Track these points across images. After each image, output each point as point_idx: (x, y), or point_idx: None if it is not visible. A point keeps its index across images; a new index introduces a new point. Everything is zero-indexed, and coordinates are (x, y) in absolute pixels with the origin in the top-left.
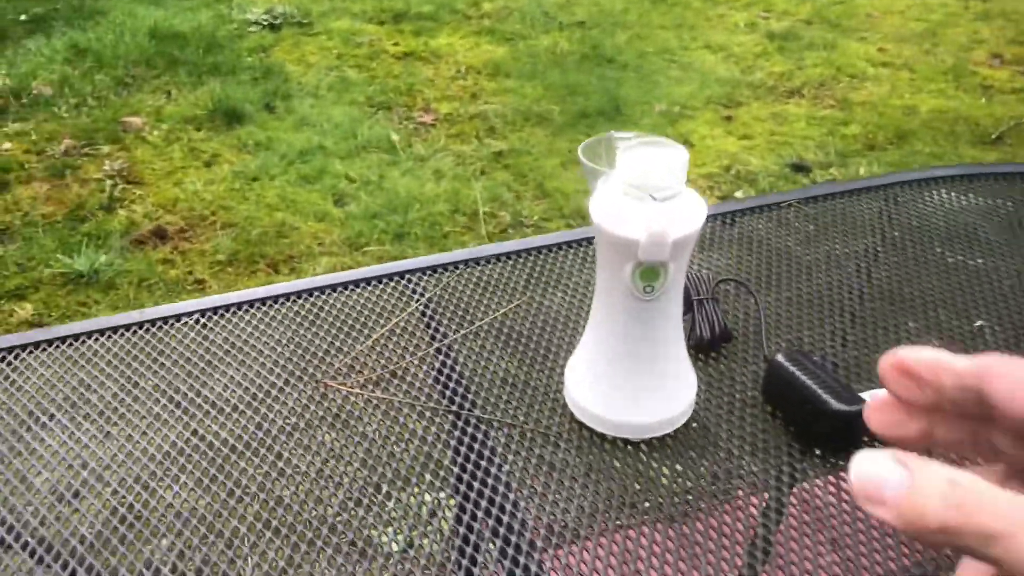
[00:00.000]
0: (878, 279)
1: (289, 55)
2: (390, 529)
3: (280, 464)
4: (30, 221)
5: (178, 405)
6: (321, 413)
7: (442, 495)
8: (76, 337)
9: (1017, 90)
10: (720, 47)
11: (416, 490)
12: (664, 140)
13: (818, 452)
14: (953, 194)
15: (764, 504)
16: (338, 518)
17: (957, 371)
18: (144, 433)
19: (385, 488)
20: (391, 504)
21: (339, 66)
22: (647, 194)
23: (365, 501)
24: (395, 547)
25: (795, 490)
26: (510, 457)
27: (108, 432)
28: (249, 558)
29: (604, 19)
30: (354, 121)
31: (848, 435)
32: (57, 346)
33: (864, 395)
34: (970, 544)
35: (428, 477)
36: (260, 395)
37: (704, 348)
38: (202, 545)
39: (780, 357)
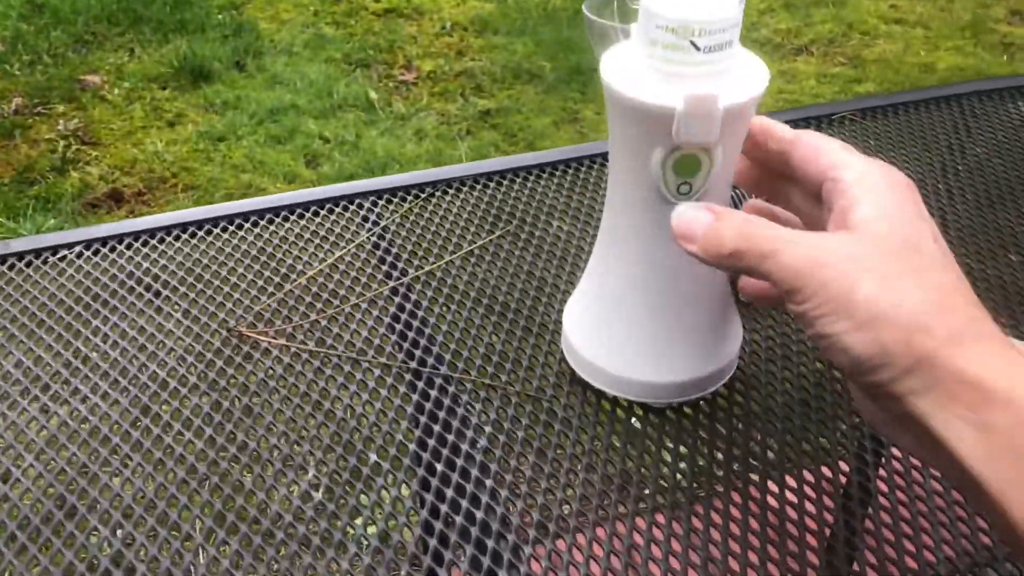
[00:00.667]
0: (963, 202)
1: (262, 12)
2: (358, 521)
3: (196, 422)
4: None
5: (110, 378)
6: (233, 370)
7: (395, 468)
8: None
9: None
10: None
11: (372, 470)
12: None
13: None
14: None
15: (842, 487)
16: (284, 502)
17: (778, 137)
18: (74, 410)
19: (331, 467)
20: (339, 488)
21: (315, 23)
22: (687, 40)
23: (321, 488)
24: (359, 538)
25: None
26: (487, 429)
27: (48, 408)
28: (202, 549)
29: None
30: (330, 79)
31: None
32: None
33: None
34: (751, 263)
35: (373, 457)
36: (168, 341)
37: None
38: (151, 536)
39: None
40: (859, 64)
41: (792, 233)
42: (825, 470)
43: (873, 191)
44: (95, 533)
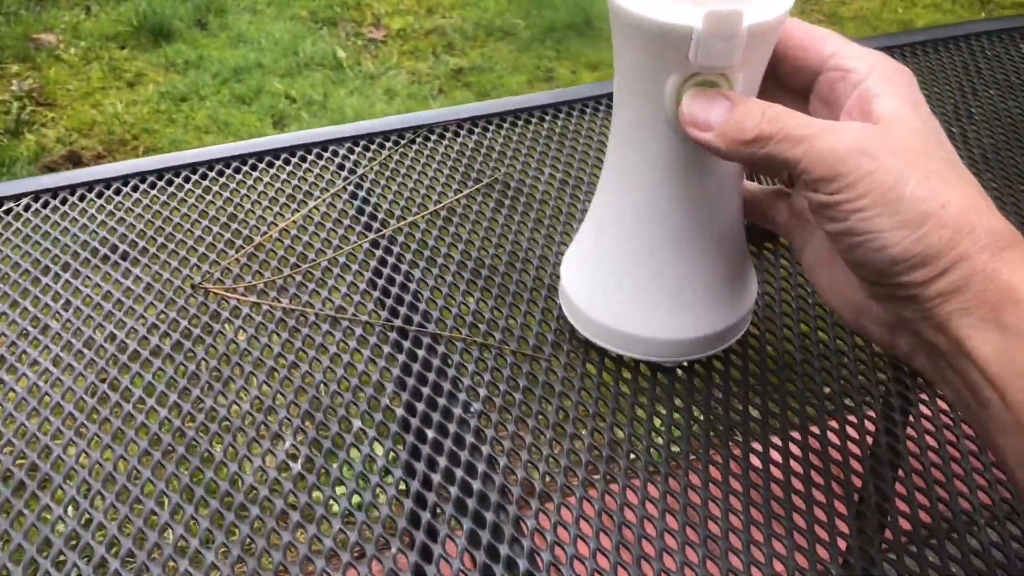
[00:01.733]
0: (978, 145)
1: None
2: (339, 489)
3: (160, 388)
4: None
5: (79, 351)
6: (199, 330)
7: (381, 435)
8: None
9: (1018, 3)
10: None
11: (355, 438)
12: None
13: None
14: None
15: (869, 452)
16: (258, 474)
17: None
18: (26, 378)
19: (311, 435)
20: (320, 457)
21: None
22: None
23: (282, 452)
24: (332, 507)
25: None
26: (482, 392)
27: None
28: (170, 527)
29: None
30: (296, 37)
31: None
32: None
33: None
34: (777, 149)
35: (358, 424)
36: (127, 300)
37: (760, 233)
38: (112, 515)
39: None
40: (837, 21)
41: (824, 121)
42: (850, 430)
43: (890, 82)
44: (47, 511)
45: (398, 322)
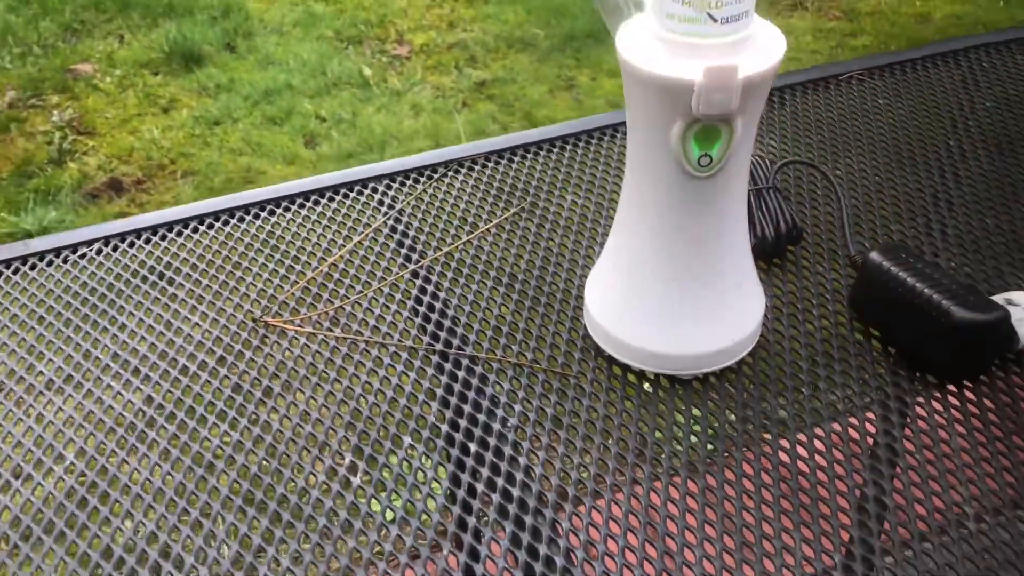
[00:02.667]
0: (974, 156)
1: None
2: (383, 495)
3: (215, 406)
4: None
5: (133, 369)
6: (263, 360)
7: (430, 450)
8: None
9: None
10: None
11: (407, 452)
12: None
13: (933, 379)
14: None
15: (870, 453)
16: (323, 487)
17: None
18: (99, 400)
19: (367, 452)
20: (376, 471)
21: (303, 0)
22: (703, 12)
23: (343, 468)
24: (388, 515)
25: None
26: (517, 408)
27: (53, 403)
28: (224, 542)
29: None
30: (323, 57)
31: (977, 353)
32: None
33: (997, 299)
34: None
35: (408, 440)
36: (195, 335)
37: (766, 252)
38: (166, 525)
39: (876, 255)
40: (854, 17)
41: None
42: (852, 432)
43: None
44: (129, 517)
45: (439, 346)
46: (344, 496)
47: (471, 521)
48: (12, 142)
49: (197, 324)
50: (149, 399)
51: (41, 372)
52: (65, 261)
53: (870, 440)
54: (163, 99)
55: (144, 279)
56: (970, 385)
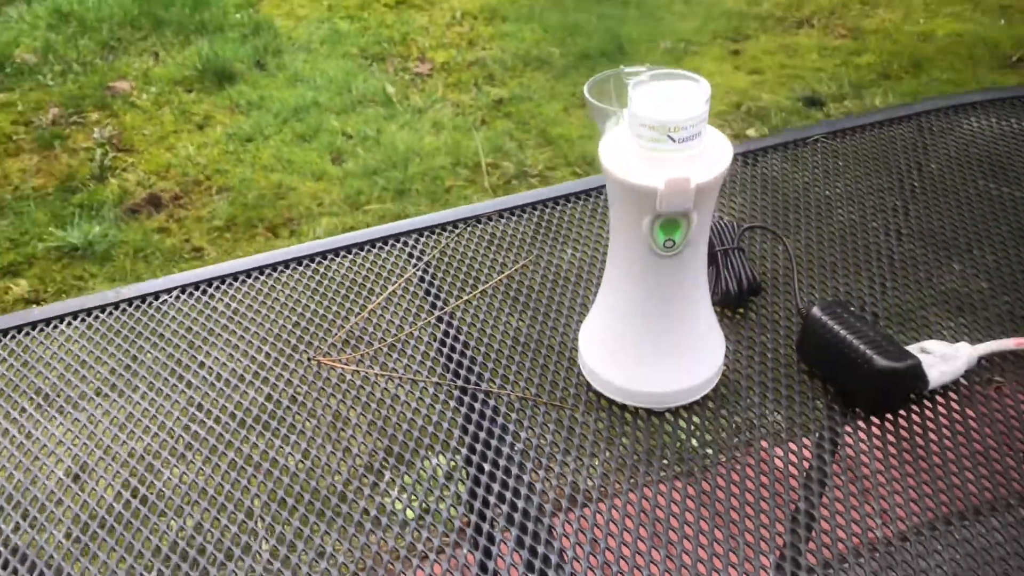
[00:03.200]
0: (916, 216)
1: (278, 9)
2: (404, 495)
3: (291, 437)
4: (21, 195)
5: (180, 379)
6: (316, 393)
7: (452, 468)
8: (75, 315)
9: None
10: None
11: (425, 464)
12: (680, 72)
13: (861, 413)
14: (993, 120)
15: (805, 473)
16: (348, 486)
17: None
18: (146, 410)
19: (388, 474)
20: (400, 479)
21: (330, 18)
22: (664, 135)
23: (372, 475)
24: (409, 514)
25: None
26: (523, 434)
27: (107, 411)
28: (262, 537)
29: None
30: (348, 74)
31: (895, 393)
32: (55, 325)
33: (911, 348)
34: None
35: (435, 461)
36: (261, 371)
37: (731, 303)
38: (209, 523)
39: (816, 310)
40: (859, 35)
41: None
42: (792, 456)
43: None
44: (177, 514)
45: (460, 382)
46: (386, 509)
47: (484, 526)
48: (56, 158)
49: (261, 362)
50: (224, 421)
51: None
52: (150, 306)
53: (806, 464)
54: (197, 116)
55: (216, 322)
56: (890, 418)
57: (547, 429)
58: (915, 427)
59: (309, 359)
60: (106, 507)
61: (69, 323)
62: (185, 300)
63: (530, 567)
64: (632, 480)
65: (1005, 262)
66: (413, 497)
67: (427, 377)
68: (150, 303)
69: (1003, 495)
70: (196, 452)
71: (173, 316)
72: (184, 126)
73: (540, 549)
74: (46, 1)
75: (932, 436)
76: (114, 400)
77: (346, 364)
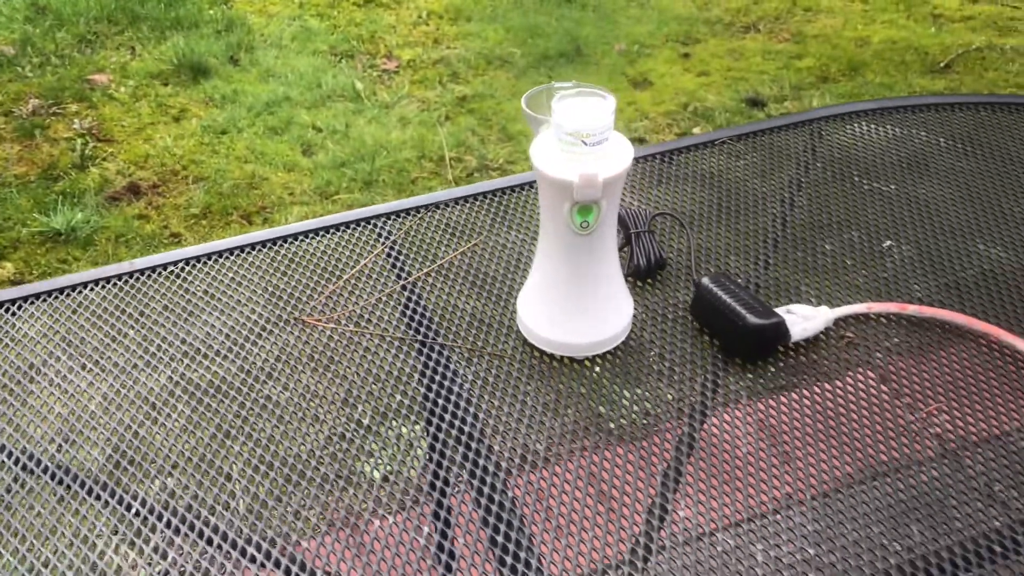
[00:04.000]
0: (800, 207)
1: (251, 6)
2: (371, 460)
3: (267, 404)
4: (3, 182)
5: (164, 352)
6: (298, 353)
7: (417, 427)
8: (61, 291)
9: (967, 18)
10: None
11: (394, 422)
12: (598, 90)
13: (738, 361)
14: (872, 126)
15: (691, 406)
16: (325, 451)
17: None
18: (135, 379)
19: (366, 422)
20: (371, 437)
21: (301, 15)
22: (579, 140)
23: (348, 435)
24: (376, 475)
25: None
26: (470, 377)
27: (91, 383)
28: (240, 497)
29: None
30: (318, 71)
31: (764, 345)
32: (44, 299)
33: (779, 310)
34: None
35: (399, 398)
36: (240, 339)
37: (641, 275)
38: (193, 485)
39: (705, 280)
40: (801, 40)
41: None
42: (684, 394)
43: None
44: (169, 475)
45: (420, 337)
46: (338, 457)
47: (438, 446)
48: (38, 147)
49: (255, 332)
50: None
51: (133, 363)
52: (159, 275)
53: (694, 399)
54: (174, 109)
55: (201, 296)
56: (760, 364)
57: (490, 374)
58: (780, 371)
59: (295, 320)
60: (91, 477)
61: (56, 297)
62: (164, 277)
63: (473, 475)
64: (556, 411)
65: (867, 242)
66: (374, 445)
67: (393, 333)
68: (136, 277)
69: (842, 413)
70: (176, 419)
71: (152, 293)
72: (161, 118)
73: (481, 462)
74: None
75: (793, 378)
76: (98, 373)
77: (326, 323)
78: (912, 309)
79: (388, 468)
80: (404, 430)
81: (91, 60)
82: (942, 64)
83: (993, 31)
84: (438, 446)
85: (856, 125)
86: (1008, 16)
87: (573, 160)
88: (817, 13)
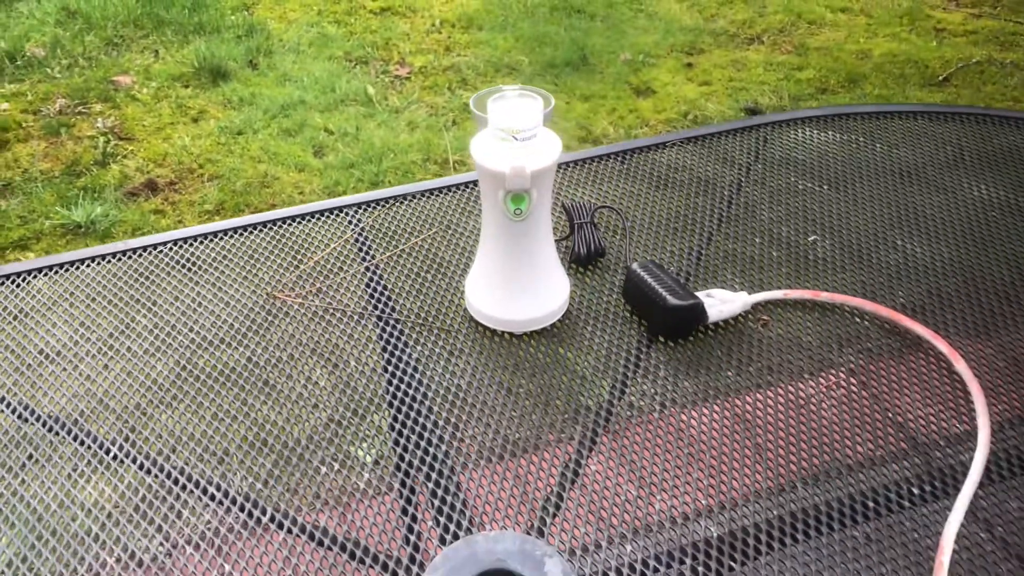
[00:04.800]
0: (737, 206)
1: (271, 12)
2: (360, 445)
3: (227, 369)
4: (30, 177)
5: (170, 335)
6: (267, 322)
7: (378, 389)
8: (72, 263)
9: (968, 32)
10: None
11: (357, 384)
12: (536, 92)
13: (661, 339)
14: (815, 132)
15: (614, 375)
16: (319, 435)
17: None
18: (144, 362)
19: (322, 382)
20: (336, 397)
21: (319, 22)
22: (511, 135)
23: (333, 424)
24: (368, 459)
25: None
26: (420, 348)
27: (106, 364)
28: (238, 472)
29: None
30: (333, 76)
31: (683, 325)
32: (56, 271)
33: (699, 294)
34: None
35: (353, 363)
36: (216, 310)
37: (582, 262)
38: (198, 461)
39: (635, 266)
40: (803, 52)
41: None
42: (610, 367)
43: None
44: (176, 452)
45: (379, 312)
46: (338, 446)
47: (396, 402)
48: (62, 144)
49: (233, 295)
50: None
51: (117, 343)
52: (147, 254)
53: (620, 371)
54: (193, 110)
55: (192, 269)
56: (681, 342)
57: (437, 346)
58: (698, 348)
59: (267, 295)
60: (110, 441)
61: (67, 269)
62: (163, 254)
63: (424, 427)
64: (493, 378)
65: (793, 237)
66: (354, 436)
67: (354, 308)
68: (139, 254)
69: (754, 384)
70: (181, 402)
71: (151, 268)
72: (180, 119)
73: (430, 429)
74: None
75: (709, 353)
76: (111, 356)
77: (295, 298)
78: (824, 296)
79: (352, 410)
80: (365, 390)
81: (116, 62)
82: (941, 77)
83: (995, 46)
84: (395, 403)
85: (799, 131)
86: (1010, 31)
87: (506, 153)
88: (821, 26)
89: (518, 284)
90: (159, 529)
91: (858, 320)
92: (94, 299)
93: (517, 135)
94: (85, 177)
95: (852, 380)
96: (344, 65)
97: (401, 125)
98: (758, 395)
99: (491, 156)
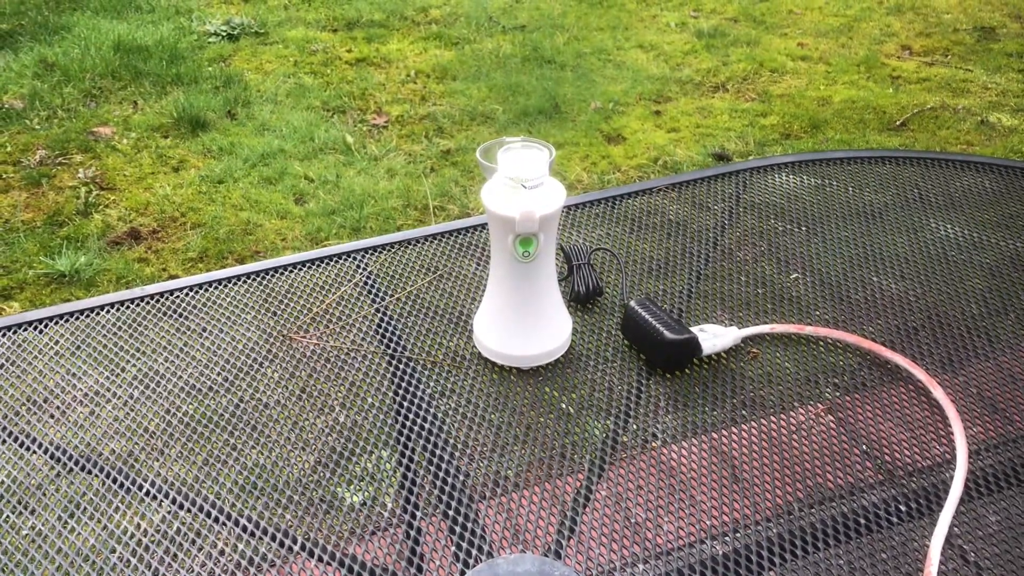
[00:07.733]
0: (722, 246)
1: (248, 64)
2: (352, 487)
3: (255, 434)
4: (12, 227)
5: (158, 384)
6: (282, 371)
7: (388, 420)
8: (61, 316)
9: (922, 79)
10: (652, 46)
11: (368, 414)
12: (539, 143)
13: (659, 371)
14: (791, 176)
15: (617, 406)
16: (310, 478)
17: None
18: (130, 411)
19: (343, 419)
20: (352, 461)
21: (295, 73)
22: (520, 184)
23: (331, 464)
24: (356, 500)
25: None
26: (431, 384)
27: (94, 411)
28: (229, 516)
29: (544, 22)
30: (311, 125)
31: (679, 358)
32: (47, 324)
33: (693, 329)
34: None
35: (370, 400)
36: (237, 352)
37: (581, 301)
38: (189, 507)
39: (632, 303)
40: (767, 99)
41: None
42: (612, 398)
43: None
44: (166, 499)
45: (390, 351)
46: (322, 486)
47: (404, 432)
48: (44, 195)
49: (248, 338)
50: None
51: (116, 387)
52: (166, 300)
53: (621, 404)
54: (173, 160)
55: (211, 316)
56: (677, 373)
57: (448, 381)
58: (693, 379)
59: (284, 336)
60: (92, 491)
61: (56, 322)
62: (165, 303)
63: (433, 454)
64: (502, 405)
65: (777, 275)
66: (351, 478)
67: (366, 348)
68: (166, 298)
69: (741, 407)
70: (172, 448)
71: (153, 318)
72: (161, 168)
73: (438, 452)
74: (32, 51)
75: (703, 384)
76: (102, 405)
77: (310, 339)
78: (808, 330)
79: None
80: (377, 420)
81: (96, 114)
82: (898, 123)
83: (947, 92)
84: (404, 431)
85: (776, 176)
86: (961, 79)
87: (515, 200)
88: (783, 74)
89: (525, 322)
90: (156, 573)
91: (840, 351)
92: (79, 347)
93: (526, 183)
94: (68, 227)
95: (836, 410)
96: (322, 115)
97: (380, 172)
98: (739, 428)
99: (501, 202)
